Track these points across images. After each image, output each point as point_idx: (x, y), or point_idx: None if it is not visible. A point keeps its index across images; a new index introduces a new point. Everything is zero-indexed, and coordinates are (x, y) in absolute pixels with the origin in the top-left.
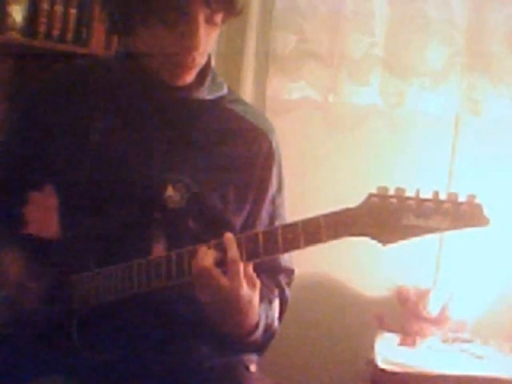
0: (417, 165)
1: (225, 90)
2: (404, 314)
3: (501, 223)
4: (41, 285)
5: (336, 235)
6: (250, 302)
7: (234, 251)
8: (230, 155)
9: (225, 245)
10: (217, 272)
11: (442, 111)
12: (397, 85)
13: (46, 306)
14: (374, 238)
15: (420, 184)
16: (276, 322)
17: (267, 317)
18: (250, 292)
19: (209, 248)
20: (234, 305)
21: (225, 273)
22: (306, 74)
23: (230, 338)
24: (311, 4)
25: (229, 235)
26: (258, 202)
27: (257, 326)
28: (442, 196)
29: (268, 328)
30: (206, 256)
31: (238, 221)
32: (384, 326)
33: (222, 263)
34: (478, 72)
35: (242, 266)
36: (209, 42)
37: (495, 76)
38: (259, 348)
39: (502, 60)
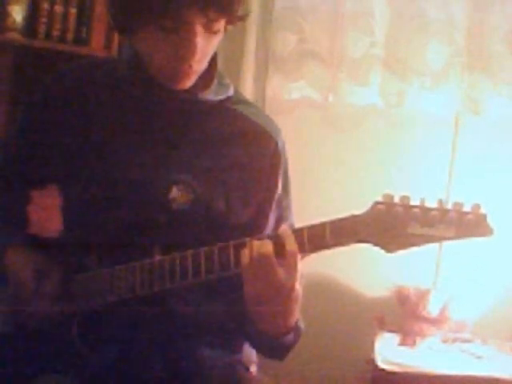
0: (417, 164)
1: (231, 92)
2: (404, 314)
3: (501, 223)
4: (43, 284)
5: (341, 242)
6: (297, 299)
7: (292, 244)
8: (236, 156)
9: (282, 237)
10: (275, 261)
11: (442, 111)
12: (397, 85)
13: (48, 305)
14: (378, 245)
15: (420, 183)
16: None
17: (298, 319)
18: (300, 289)
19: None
20: (283, 299)
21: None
22: (306, 73)
23: (263, 336)
24: (311, 4)
25: (285, 228)
26: (264, 204)
27: (295, 327)
28: (447, 205)
29: (298, 332)
30: (266, 244)
31: (244, 223)
32: (384, 326)
33: (276, 255)
34: (478, 72)
35: (299, 260)
36: (208, 49)
37: (495, 76)
38: (286, 351)
39: (501, 60)
